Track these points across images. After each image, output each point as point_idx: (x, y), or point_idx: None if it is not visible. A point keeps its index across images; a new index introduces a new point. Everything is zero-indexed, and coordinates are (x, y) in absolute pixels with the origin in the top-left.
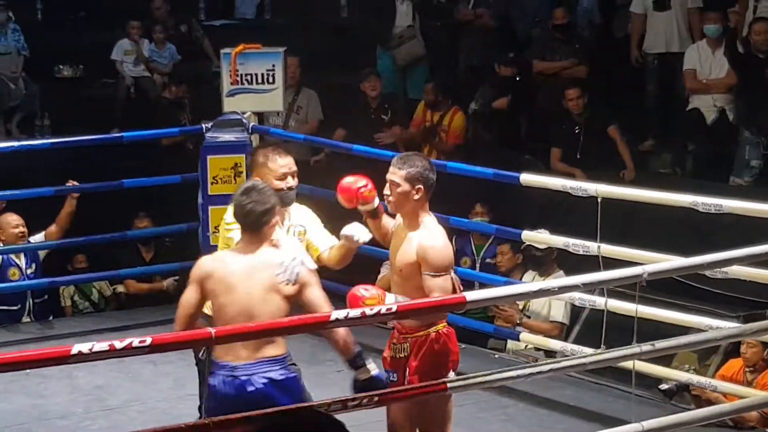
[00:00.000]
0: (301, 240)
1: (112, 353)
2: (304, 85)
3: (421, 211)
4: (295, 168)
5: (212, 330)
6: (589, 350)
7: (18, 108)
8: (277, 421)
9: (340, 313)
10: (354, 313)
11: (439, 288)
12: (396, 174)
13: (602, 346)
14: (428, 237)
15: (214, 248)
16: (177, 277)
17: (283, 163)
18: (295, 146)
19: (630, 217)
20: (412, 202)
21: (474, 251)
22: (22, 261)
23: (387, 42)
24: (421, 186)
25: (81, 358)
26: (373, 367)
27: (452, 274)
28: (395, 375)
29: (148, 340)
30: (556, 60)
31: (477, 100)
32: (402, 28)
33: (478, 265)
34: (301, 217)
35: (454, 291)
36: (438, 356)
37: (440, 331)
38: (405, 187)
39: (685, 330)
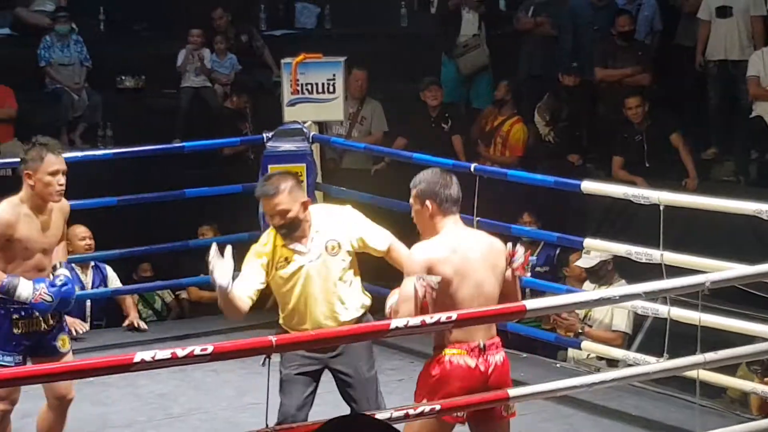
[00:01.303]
0: (335, 254)
1: (174, 361)
2: (370, 96)
3: (439, 226)
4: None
5: (273, 338)
6: (652, 359)
7: (81, 119)
8: (338, 427)
9: (399, 322)
10: (414, 321)
11: (402, 295)
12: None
13: (665, 355)
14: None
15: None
16: None
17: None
18: (356, 155)
19: (692, 225)
20: (426, 218)
21: None
22: (87, 278)
23: (451, 51)
24: (428, 201)
25: (144, 366)
26: None
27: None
28: None
29: (210, 349)
30: (618, 68)
31: (539, 109)
32: (467, 37)
33: (528, 273)
34: (337, 226)
35: (423, 304)
36: (425, 379)
37: (442, 357)
38: (416, 206)
39: (749, 339)
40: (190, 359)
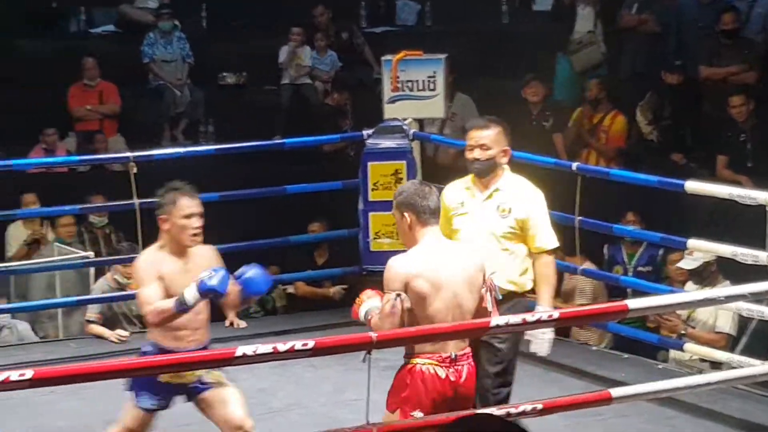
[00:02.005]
0: (504, 216)
1: (275, 356)
2: (459, 90)
3: (418, 236)
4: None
5: (373, 335)
6: (756, 362)
7: (183, 115)
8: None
9: (500, 319)
10: (514, 319)
11: (384, 311)
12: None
13: None
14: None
15: (374, 254)
16: (346, 286)
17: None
18: (450, 152)
19: None
20: (405, 229)
21: (626, 259)
22: None
23: (565, 47)
24: (407, 212)
25: (245, 360)
26: None
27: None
28: None
29: (311, 344)
30: (723, 66)
31: (642, 108)
32: (581, 34)
33: (630, 273)
34: (519, 194)
35: (392, 312)
36: (397, 388)
37: (413, 367)
38: (396, 216)
39: None
40: (291, 354)
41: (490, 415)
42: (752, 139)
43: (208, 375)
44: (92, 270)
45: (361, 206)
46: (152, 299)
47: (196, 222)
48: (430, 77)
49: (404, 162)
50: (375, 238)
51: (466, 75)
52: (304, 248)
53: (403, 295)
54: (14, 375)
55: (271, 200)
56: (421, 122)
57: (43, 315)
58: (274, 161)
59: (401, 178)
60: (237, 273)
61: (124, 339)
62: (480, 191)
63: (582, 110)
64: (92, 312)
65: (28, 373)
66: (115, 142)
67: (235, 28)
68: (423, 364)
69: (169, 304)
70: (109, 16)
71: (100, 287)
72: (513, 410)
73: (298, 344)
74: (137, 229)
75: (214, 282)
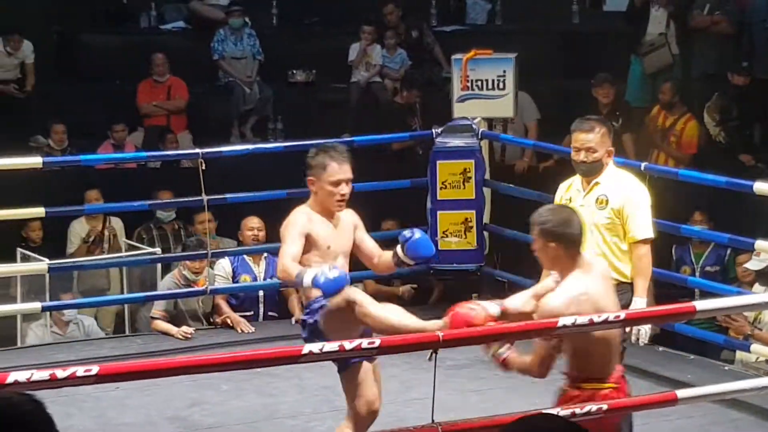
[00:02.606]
0: (602, 208)
1: (341, 354)
2: (521, 89)
3: (566, 266)
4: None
5: (440, 334)
6: None
7: (252, 112)
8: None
9: (568, 320)
10: (582, 320)
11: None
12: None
13: None
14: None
15: (442, 253)
16: (415, 285)
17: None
18: (516, 151)
19: None
20: (550, 257)
21: (693, 259)
22: (259, 269)
23: (638, 49)
24: (553, 242)
25: (311, 358)
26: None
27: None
28: None
29: (377, 342)
30: None
31: (708, 109)
32: (653, 36)
33: (697, 274)
34: (619, 186)
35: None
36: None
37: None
38: (538, 244)
39: None
40: (357, 352)
41: (553, 415)
42: None
43: None
44: (159, 267)
45: (429, 205)
46: (289, 257)
47: (344, 189)
48: (499, 76)
49: (473, 161)
50: (443, 237)
51: (535, 74)
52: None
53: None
54: (80, 370)
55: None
56: (490, 122)
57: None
58: None
59: (470, 177)
60: (402, 236)
61: (189, 336)
62: (583, 187)
63: (657, 110)
64: (158, 309)
65: (94, 369)
66: (183, 139)
67: (306, 25)
68: (609, 390)
69: (294, 271)
70: (179, 13)
71: (166, 284)
72: (578, 410)
73: (365, 342)
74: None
75: (325, 284)
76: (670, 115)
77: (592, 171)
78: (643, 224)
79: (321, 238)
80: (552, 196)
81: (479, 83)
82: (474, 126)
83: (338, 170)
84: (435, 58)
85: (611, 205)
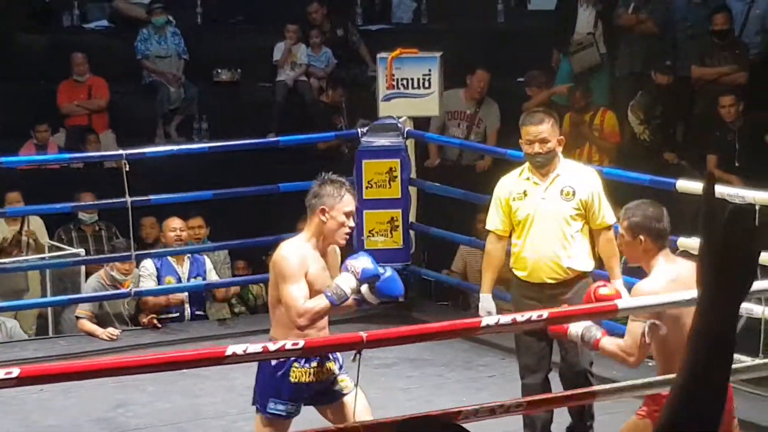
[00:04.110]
0: (569, 200)
1: (265, 355)
2: (489, 95)
3: (654, 259)
4: None
5: (364, 334)
6: (747, 359)
7: (177, 111)
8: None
9: (491, 319)
10: (504, 319)
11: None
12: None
13: (760, 355)
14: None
15: (368, 252)
16: None
17: None
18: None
19: None
20: (639, 252)
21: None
22: (183, 269)
23: (566, 48)
24: (642, 235)
25: (235, 359)
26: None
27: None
28: None
29: (301, 343)
30: (715, 66)
31: (632, 107)
32: (581, 35)
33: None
34: (578, 176)
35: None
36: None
37: None
38: (627, 237)
39: None
40: (281, 353)
41: (435, 418)
42: (740, 139)
43: (339, 379)
44: (83, 268)
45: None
46: (303, 299)
47: (352, 222)
48: (425, 75)
49: (398, 160)
50: (369, 236)
51: (461, 73)
52: None
53: (659, 323)
54: (1, 373)
55: (265, 198)
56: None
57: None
58: (268, 159)
59: (395, 176)
60: (365, 272)
61: (114, 337)
62: (540, 179)
63: (570, 116)
64: (83, 309)
65: (15, 371)
66: (106, 139)
67: (230, 24)
68: None
69: (324, 301)
70: (103, 12)
71: (91, 285)
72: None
73: (288, 344)
74: (129, 227)
75: (372, 269)
76: (585, 114)
77: (548, 161)
78: (608, 210)
79: (314, 277)
80: (482, 195)
81: (405, 82)
82: (399, 125)
83: (352, 202)
84: (360, 57)
85: (579, 196)
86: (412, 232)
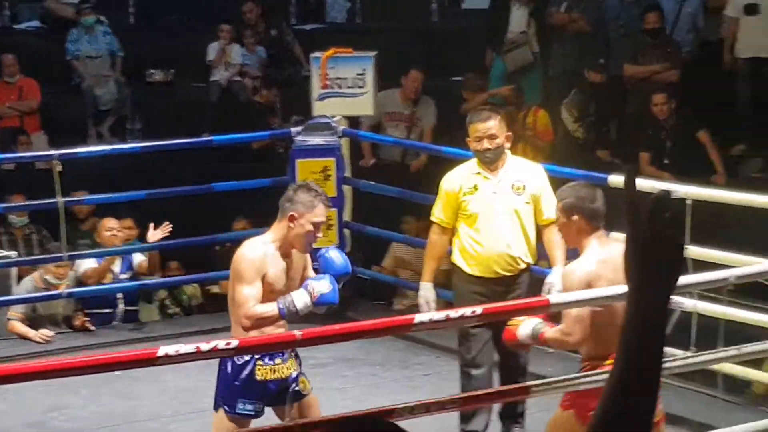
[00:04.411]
0: (519, 194)
1: (198, 356)
2: (425, 93)
3: (586, 239)
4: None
5: (298, 333)
6: (678, 353)
7: (110, 112)
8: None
9: (424, 316)
10: (438, 316)
11: (573, 316)
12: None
13: (691, 349)
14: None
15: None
16: None
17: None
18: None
19: (719, 220)
20: (573, 232)
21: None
22: (116, 266)
23: (498, 47)
24: (575, 215)
25: (167, 360)
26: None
27: None
28: None
29: (234, 343)
30: (647, 64)
31: (566, 105)
32: (515, 34)
33: None
34: (527, 171)
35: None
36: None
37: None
38: (563, 219)
39: None
40: (215, 353)
41: (369, 416)
42: (671, 137)
43: (300, 380)
44: (14, 271)
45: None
46: (254, 301)
47: (320, 232)
48: (359, 74)
49: (333, 159)
50: None
51: (396, 72)
52: (230, 247)
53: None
54: None
55: (199, 198)
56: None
57: None
58: (202, 159)
59: (330, 176)
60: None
61: (48, 339)
62: (491, 174)
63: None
64: (15, 311)
65: None
66: (38, 140)
67: (164, 24)
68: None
69: (274, 310)
70: (34, 12)
71: (25, 287)
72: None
73: (221, 344)
74: (60, 228)
75: (329, 294)
76: (518, 113)
77: (497, 157)
78: (554, 205)
79: (275, 279)
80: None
81: (339, 82)
82: (333, 124)
83: (323, 213)
84: (295, 56)
85: (529, 190)
86: (347, 231)
